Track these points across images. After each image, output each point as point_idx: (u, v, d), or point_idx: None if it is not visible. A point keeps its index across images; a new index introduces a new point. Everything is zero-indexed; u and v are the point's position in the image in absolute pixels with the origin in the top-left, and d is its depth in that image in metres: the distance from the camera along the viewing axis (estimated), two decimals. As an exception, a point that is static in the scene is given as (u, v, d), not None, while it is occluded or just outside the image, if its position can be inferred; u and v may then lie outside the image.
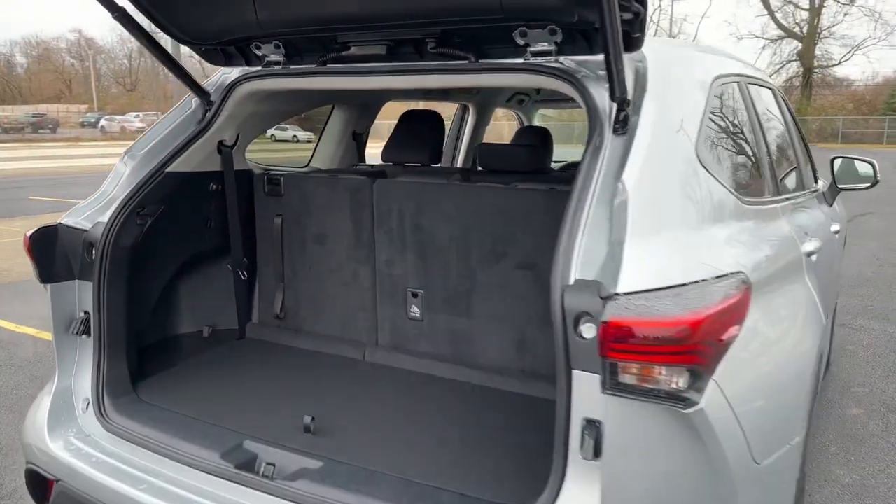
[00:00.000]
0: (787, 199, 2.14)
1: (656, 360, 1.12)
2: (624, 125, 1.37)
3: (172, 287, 2.22)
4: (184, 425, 1.71)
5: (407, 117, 2.50)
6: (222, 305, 2.38)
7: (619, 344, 1.12)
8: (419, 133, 2.45)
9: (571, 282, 1.18)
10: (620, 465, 1.16)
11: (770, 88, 2.75)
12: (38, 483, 1.77)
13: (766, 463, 1.31)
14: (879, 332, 5.21)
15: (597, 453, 1.16)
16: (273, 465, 1.53)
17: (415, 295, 2.17)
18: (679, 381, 1.14)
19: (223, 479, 1.51)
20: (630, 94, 1.42)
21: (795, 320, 1.63)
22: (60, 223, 1.85)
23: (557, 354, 1.19)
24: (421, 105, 3.01)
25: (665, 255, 1.24)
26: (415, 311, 2.18)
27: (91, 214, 1.88)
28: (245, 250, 2.37)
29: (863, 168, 3.51)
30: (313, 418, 1.72)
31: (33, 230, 1.82)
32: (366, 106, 3.12)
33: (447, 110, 4.58)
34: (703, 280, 1.24)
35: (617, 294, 1.14)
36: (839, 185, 3.54)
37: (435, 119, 2.50)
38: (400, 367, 2.16)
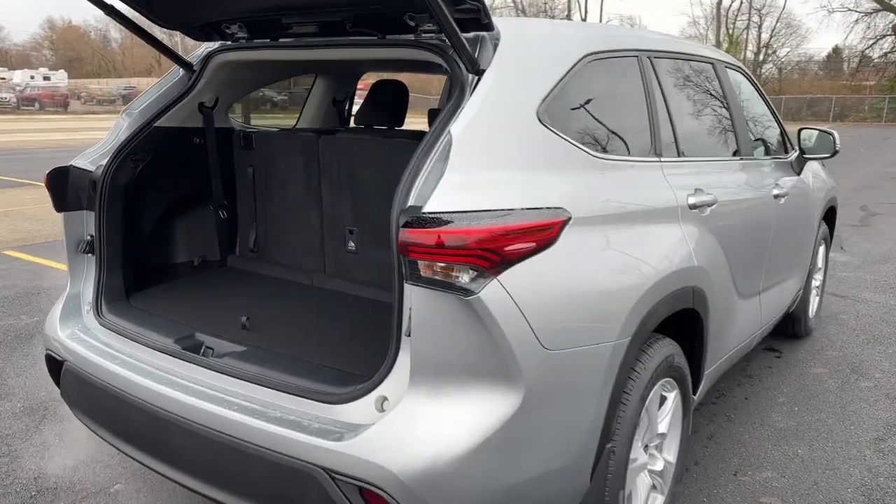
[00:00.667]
0: (680, 160, 2.45)
1: (444, 259, 1.52)
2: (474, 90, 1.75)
3: (168, 224, 2.73)
4: (156, 323, 2.22)
5: (374, 87, 2.93)
6: (210, 241, 2.89)
7: (415, 247, 1.52)
8: (383, 100, 2.87)
9: (405, 207, 1.58)
10: (423, 340, 1.57)
11: (710, 63, 3.03)
12: (53, 364, 2.31)
13: (559, 351, 1.69)
14: (879, 305, 5.33)
15: (408, 333, 1.58)
16: (212, 348, 2.01)
17: (351, 232, 2.64)
18: (463, 277, 1.53)
19: (175, 357, 2.01)
20: (485, 66, 1.79)
21: (632, 253, 1.97)
22: (71, 165, 2.37)
23: (394, 262, 1.60)
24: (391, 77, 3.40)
25: (482, 188, 1.63)
26: (351, 245, 2.65)
27: (95, 159, 2.39)
28: (225, 195, 2.87)
29: (824, 139, 3.73)
30: (248, 318, 2.21)
31: (50, 170, 2.35)
32: (343, 76, 3.63)
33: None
34: (510, 209, 1.62)
35: (423, 213, 1.53)
36: (805, 156, 3.77)
37: (397, 88, 2.91)
38: (338, 290, 2.64)
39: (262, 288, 2.70)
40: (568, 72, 1.98)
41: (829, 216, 4.65)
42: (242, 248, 2.98)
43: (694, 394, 2.62)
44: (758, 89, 3.70)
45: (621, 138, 2.21)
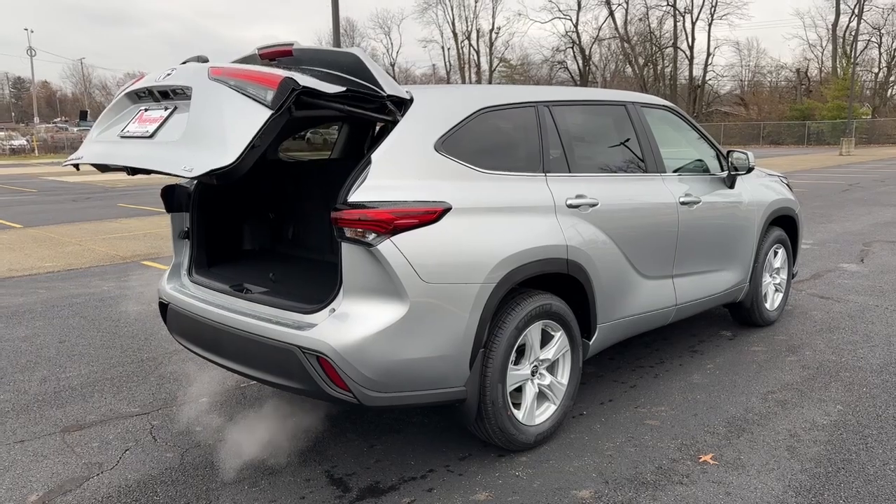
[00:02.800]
0: (566, 175, 3.57)
1: (358, 227, 2.76)
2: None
3: (237, 220, 4.12)
4: (222, 276, 3.57)
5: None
6: (263, 232, 4.26)
7: (342, 220, 2.77)
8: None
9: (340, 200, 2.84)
10: (350, 273, 2.81)
11: (622, 105, 4.15)
12: (162, 307, 3.73)
13: (435, 284, 2.87)
14: (856, 304, 6.03)
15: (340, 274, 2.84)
16: (249, 289, 3.32)
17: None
18: (369, 237, 2.76)
19: (227, 294, 3.35)
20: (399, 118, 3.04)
21: (503, 231, 3.11)
22: (176, 184, 3.80)
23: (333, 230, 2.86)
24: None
25: (389, 189, 2.85)
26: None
27: (189, 182, 3.83)
28: (272, 202, 4.27)
29: (742, 158, 4.71)
30: (273, 275, 3.55)
31: (164, 186, 3.79)
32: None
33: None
34: (402, 200, 2.84)
35: (347, 201, 2.79)
36: (732, 173, 4.75)
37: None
38: (331, 261, 3.95)
39: (290, 261, 4.03)
40: (462, 120, 3.19)
41: (788, 225, 5.50)
42: (284, 237, 4.35)
43: (588, 338, 3.70)
44: (689, 122, 4.73)
45: (509, 160, 3.38)
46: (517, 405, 3.37)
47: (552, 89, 3.85)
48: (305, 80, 2.68)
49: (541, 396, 3.49)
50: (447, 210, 2.95)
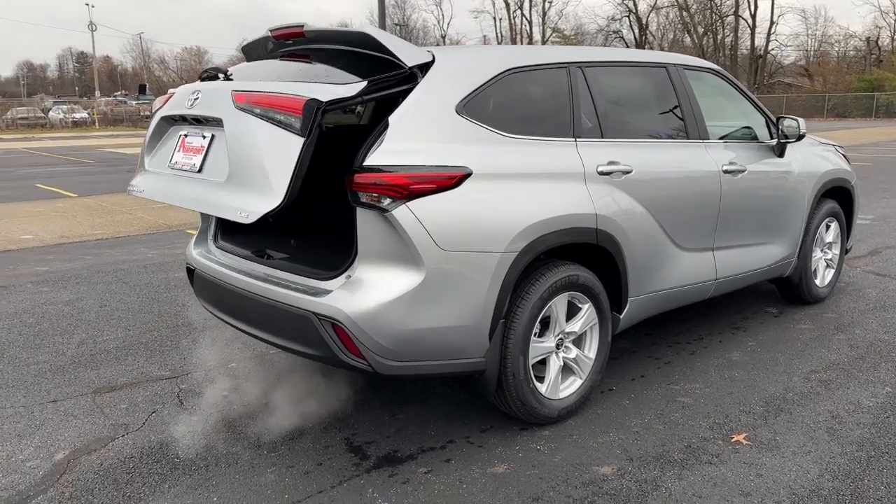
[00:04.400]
0: (598, 141, 3.42)
1: (373, 191, 2.68)
2: None
3: None
4: (245, 243, 3.55)
5: None
6: None
7: (357, 184, 2.69)
8: None
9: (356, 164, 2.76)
10: (365, 239, 2.75)
11: (662, 67, 3.95)
12: (189, 271, 3.75)
13: (453, 252, 2.78)
14: (914, 283, 5.72)
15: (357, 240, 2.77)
16: (271, 255, 3.29)
17: None
18: (384, 202, 2.67)
19: (249, 259, 3.33)
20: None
21: (526, 198, 2.99)
22: None
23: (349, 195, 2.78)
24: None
25: (407, 153, 2.76)
26: None
27: None
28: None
29: (792, 124, 4.46)
30: (295, 242, 3.51)
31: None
32: None
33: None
34: (420, 164, 2.74)
35: (363, 165, 2.71)
36: (781, 140, 4.51)
37: None
38: None
39: (315, 228, 3.98)
40: (487, 81, 3.07)
41: (842, 197, 5.22)
42: (311, 203, 4.31)
43: (618, 312, 3.57)
44: (737, 87, 4.49)
45: (537, 124, 3.24)
46: (540, 378, 3.28)
47: (586, 50, 3.69)
48: (326, 93, 2.67)
49: (566, 370, 3.39)
50: (467, 175, 2.85)
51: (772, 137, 4.56)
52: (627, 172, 3.46)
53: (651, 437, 3.21)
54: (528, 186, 3.04)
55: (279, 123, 2.68)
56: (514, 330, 3.05)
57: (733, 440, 3.17)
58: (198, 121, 3.16)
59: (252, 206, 2.66)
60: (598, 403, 3.54)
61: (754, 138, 4.50)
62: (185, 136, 3.24)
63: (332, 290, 2.82)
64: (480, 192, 2.88)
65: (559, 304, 3.24)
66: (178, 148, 3.26)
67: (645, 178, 3.55)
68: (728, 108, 4.49)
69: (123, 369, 4.07)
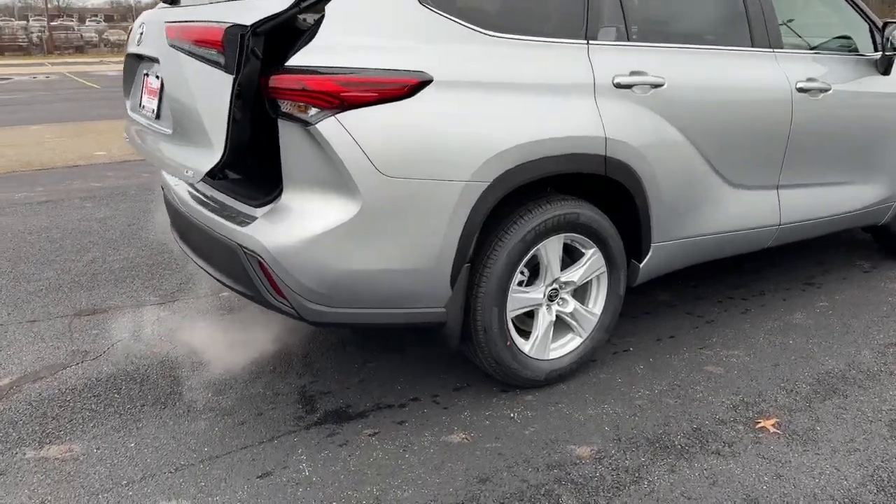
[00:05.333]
0: (620, 45, 2.73)
1: (294, 99, 2.17)
2: None
3: None
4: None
5: None
6: None
7: (276, 90, 2.19)
8: None
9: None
10: (289, 160, 2.26)
11: None
12: (164, 196, 3.42)
13: (398, 177, 2.24)
14: None
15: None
16: (226, 175, 2.89)
17: None
18: (308, 113, 2.17)
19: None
20: None
21: (507, 114, 2.38)
22: None
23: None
24: None
25: (344, 51, 2.22)
26: None
27: None
28: None
29: (908, 33, 3.52)
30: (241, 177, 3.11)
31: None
32: None
33: None
34: (359, 67, 2.21)
35: (286, 66, 2.20)
36: (887, 53, 3.59)
37: None
38: None
39: None
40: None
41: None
42: None
43: (637, 260, 2.95)
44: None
45: (533, 19, 2.60)
46: (526, 334, 2.76)
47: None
48: (250, 14, 2.22)
49: (561, 326, 2.84)
50: (426, 83, 2.30)
51: (875, 49, 3.64)
52: (657, 86, 2.77)
53: (655, 413, 2.64)
54: (511, 100, 2.45)
55: (207, 61, 2.32)
56: (486, 276, 2.52)
57: (758, 426, 2.55)
58: (151, 59, 2.79)
59: (194, 161, 2.39)
60: (604, 367, 2.98)
61: (850, 50, 3.60)
62: (146, 75, 2.91)
63: (257, 219, 2.39)
64: (442, 104, 2.33)
65: (551, 249, 2.67)
66: (143, 89, 2.95)
67: (682, 93, 2.85)
68: (815, 9, 3.60)
69: (116, 291, 3.88)
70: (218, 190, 2.73)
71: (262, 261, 2.32)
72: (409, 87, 2.27)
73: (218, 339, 3.23)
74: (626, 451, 2.41)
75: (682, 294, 3.76)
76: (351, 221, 2.26)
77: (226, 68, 2.25)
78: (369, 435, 2.52)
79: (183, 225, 2.95)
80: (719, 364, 3.00)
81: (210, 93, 2.32)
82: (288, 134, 2.25)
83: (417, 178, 2.31)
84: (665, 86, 2.78)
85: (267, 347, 3.13)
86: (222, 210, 2.59)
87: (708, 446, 2.43)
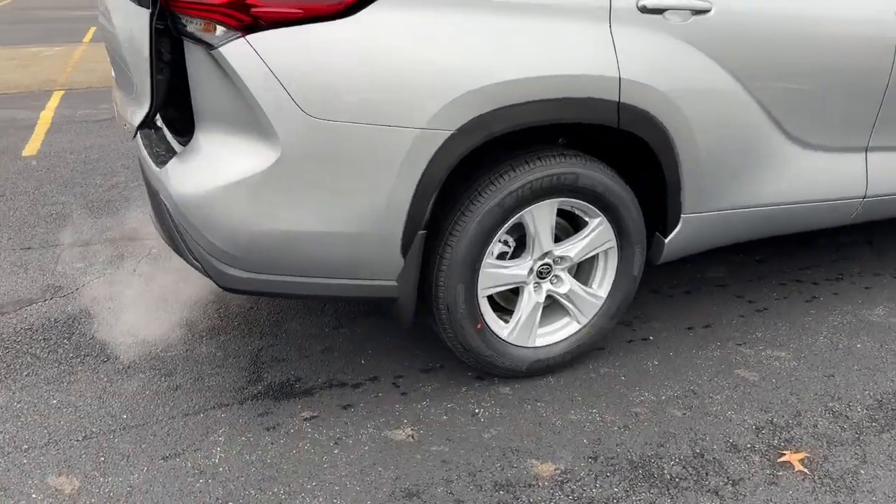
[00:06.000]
0: None
1: (197, 13, 1.75)
2: None
3: None
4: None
5: None
6: None
7: (171, 3, 1.78)
8: None
9: None
10: (199, 97, 1.84)
11: None
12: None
13: (329, 120, 1.79)
14: None
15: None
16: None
17: None
18: (214, 32, 1.75)
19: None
20: None
21: (480, 44, 1.85)
22: None
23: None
24: None
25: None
26: None
27: None
28: None
29: None
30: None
31: None
32: None
33: None
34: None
35: None
36: None
37: None
38: None
39: None
40: None
41: None
42: None
43: (663, 234, 2.39)
44: None
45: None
46: (509, 313, 2.30)
47: None
48: None
49: (555, 309, 2.36)
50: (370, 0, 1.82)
51: None
52: (701, 12, 2.15)
53: (652, 427, 2.14)
54: (485, 24, 1.93)
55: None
56: (451, 246, 2.07)
57: (781, 459, 2.01)
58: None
59: (131, 114, 2.14)
60: (610, 358, 2.49)
61: None
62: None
63: (170, 160, 2.03)
64: (391, 27, 1.85)
65: (540, 217, 2.17)
66: None
67: (736, 23, 2.21)
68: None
69: (119, 222, 3.69)
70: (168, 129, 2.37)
71: (168, 210, 1.97)
72: (345, 3, 1.80)
73: (198, 287, 2.95)
74: (598, 477, 1.94)
75: (737, 270, 3.14)
76: (267, 172, 1.85)
77: (140, 2, 1.88)
78: (305, 419, 2.18)
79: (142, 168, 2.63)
80: (756, 368, 2.43)
81: (134, 35, 1.99)
82: (193, 59, 1.85)
83: (355, 122, 1.85)
84: (711, 12, 2.15)
85: (242, 301, 2.83)
86: (156, 149, 2.24)
87: (705, 481, 1.93)
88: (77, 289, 2.97)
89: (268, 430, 2.13)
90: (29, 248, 3.37)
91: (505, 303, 2.35)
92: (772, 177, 2.47)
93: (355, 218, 1.94)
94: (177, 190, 1.92)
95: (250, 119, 1.83)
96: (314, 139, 1.84)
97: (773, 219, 2.56)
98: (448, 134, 1.91)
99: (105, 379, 2.38)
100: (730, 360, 2.48)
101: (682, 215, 2.36)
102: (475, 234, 2.07)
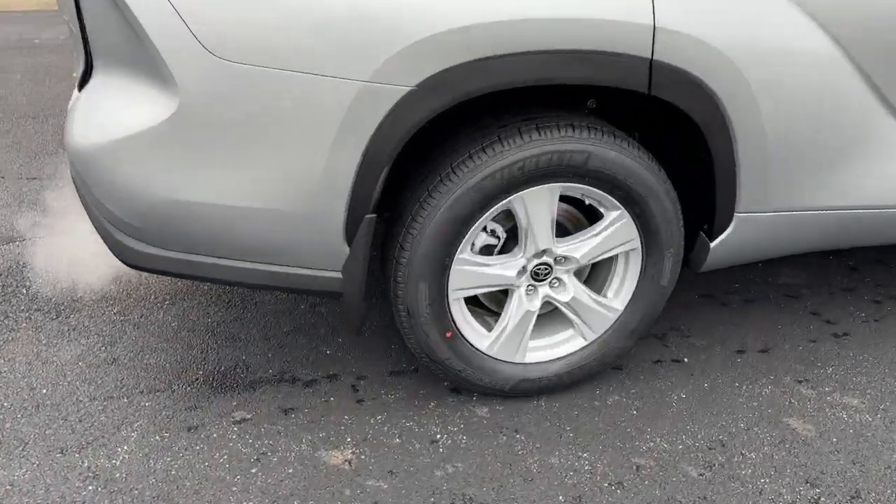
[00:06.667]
0: None
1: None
2: None
3: None
4: None
5: None
6: None
7: None
8: None
9: None
10: (94, 31, 1.48)
11: None
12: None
13: (239, 64, 1.35)
14: None
15: None
16: None
17: None
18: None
19: None
20: None
21: None
22: None
23: None
24: None
25: None
26: None
27: None
28: None
29: None
30: None
31: None
32: None
33: None
34: None
35: None
36: None
37: None
38: None
39: None
40: None
41: None
42: None
43: (709, 236, 1.85)
44: None
45: None
46: (494, 316, 1.85)
47: None
48: None
49: (559, 317, 1.88)
50: None
51: None
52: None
53: (652, 491, 1.67)
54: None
55: None
56: (412, 235, 1.62)
57: (820, 563, 1.49)
58: None
59: (77, 65, 1.78)
60: (627, 383, 2.00)
61: None
62: None
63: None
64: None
65: (534, 205, 1.68)
66: None
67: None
68: None
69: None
70: None
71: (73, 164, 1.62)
72: None
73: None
74: (563, 554, 1.49)
75: (820, 277, 2.52)
76: (165, 126, 1.45)
77: None
78: (236, 421, 1.83)
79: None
80: (814, 418, 1.88)
81: None
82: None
83: (276, 68, 1.42)
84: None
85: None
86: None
87: (706, 582, 1.44)
88: (57, 234, 2.73)
89: (189, 429, 1.80)
90: (34, 179, 3.17)
91: (496, 305, 1.89)
92: (872, 171, 1.85)
93: (280, 191, 1.52)
94: (68, 142, 1.57)
95: (144, 59, 1.43)
96: (222, 87, 1.42)
97: (865, 226, 1.95)
98: (405, 90, 1.44)
99: (44, 341, 2.12)
100: (781, 402, 1.93)
101: (736, 214, 1.80)
102: (444, 221, 1.61)
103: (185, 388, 1.94)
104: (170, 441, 1.77)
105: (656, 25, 1.51)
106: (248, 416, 1.85)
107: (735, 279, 2.46)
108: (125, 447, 1.75)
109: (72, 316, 2.23)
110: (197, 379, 1.98)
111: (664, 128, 1.81)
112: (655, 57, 1.53)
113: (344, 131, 1.46)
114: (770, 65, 1.63)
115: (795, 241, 1.94)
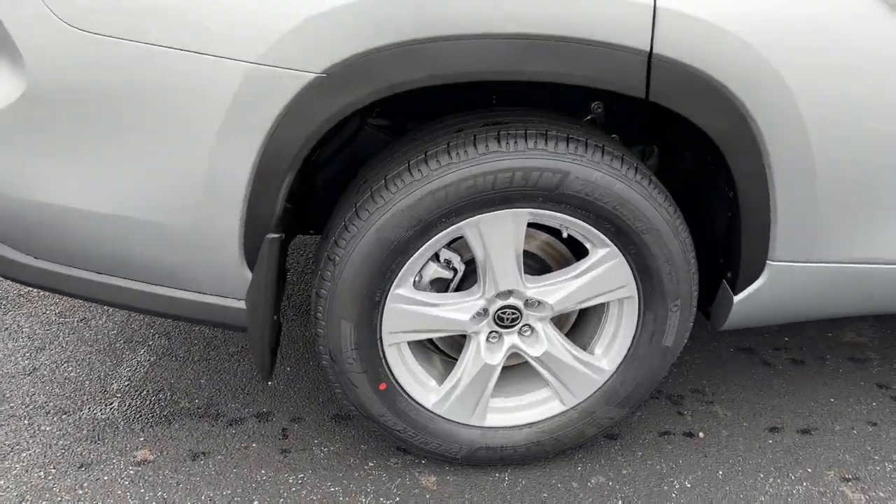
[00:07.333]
0: None
1: None
2: None
3: None
4: None
5: None
6: None
7: None
8: None
9: None
10: None
11: None
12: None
13: (96, 35, 1.05)
14: None
15: None
16: None
17: None
18: None
19: None
20: None
21: None
22: None
23: None
24: None
25: None
26: None
27: None
28: None
29: None
30: None
31: None
32: None
33: None
34: None
35: None
36: None
37: None
38: None
39: None
40: None
41: None
42: None
43: (733, 287, 1.42)
44: None
45: None
46: (451, 362, 1.49)
47: None
48: None
49: (532, 374, 1.50)
50: None
51: None
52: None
53: None
54: None
55: None
56: (334, 262, 1.28)
57: None
58: None
59: None
60: (614, 461, 1.59)
61: None
62: None
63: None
64: None
65: (492, 233, 1.30)
66: None
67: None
68: None
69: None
70: None
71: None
72: None
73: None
74: None
75: (893, 337, 2.02)
76: (11, 111, 1.16)
77: None
78: (135, 462, 1.55)
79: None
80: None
81: None
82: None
83: (143, 42, 1.10)
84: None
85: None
86: None
87: None
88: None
89: (80, 467, 1.53)
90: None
91: (456, 350, 1.53)
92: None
93: (155, 198, 1.21)
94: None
95: (-10, 28, 1.14)
96: (79, 63, 1.12)
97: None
98: (310, 77, 1.10)
99: (-31, 341, 1.90)
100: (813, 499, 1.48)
101: (769, 262, 1.37)
102: (372, 248, 1.26)
103: (95, 414, 1.67)
104: (53, 480, 1.50)
105: (657, 4, 1.11)
106: (151, 458, 1.56)
107: (785, 332, 2.00)
108: (4, 482, 1.49)
109: (9, 314, 2.01)
110: (111, 403, 1.70)
111: (683, 143, 1.41)
112: (656, 49, 1.14)
113: (230, 126, 1.13)
114: (826, 68, 1.19)
115: (850, 300, 1.48)
